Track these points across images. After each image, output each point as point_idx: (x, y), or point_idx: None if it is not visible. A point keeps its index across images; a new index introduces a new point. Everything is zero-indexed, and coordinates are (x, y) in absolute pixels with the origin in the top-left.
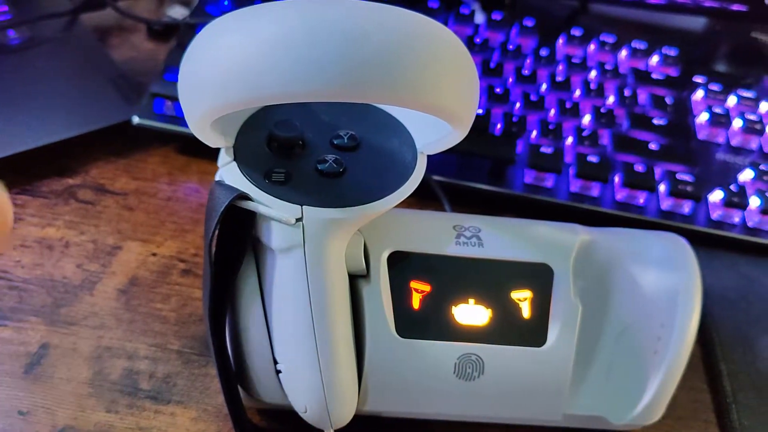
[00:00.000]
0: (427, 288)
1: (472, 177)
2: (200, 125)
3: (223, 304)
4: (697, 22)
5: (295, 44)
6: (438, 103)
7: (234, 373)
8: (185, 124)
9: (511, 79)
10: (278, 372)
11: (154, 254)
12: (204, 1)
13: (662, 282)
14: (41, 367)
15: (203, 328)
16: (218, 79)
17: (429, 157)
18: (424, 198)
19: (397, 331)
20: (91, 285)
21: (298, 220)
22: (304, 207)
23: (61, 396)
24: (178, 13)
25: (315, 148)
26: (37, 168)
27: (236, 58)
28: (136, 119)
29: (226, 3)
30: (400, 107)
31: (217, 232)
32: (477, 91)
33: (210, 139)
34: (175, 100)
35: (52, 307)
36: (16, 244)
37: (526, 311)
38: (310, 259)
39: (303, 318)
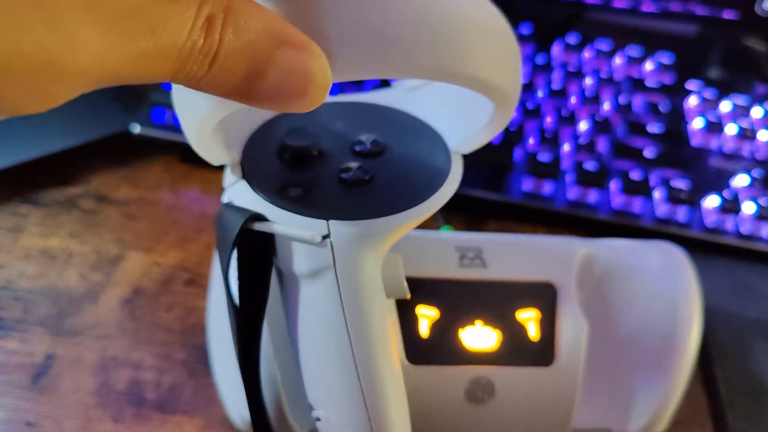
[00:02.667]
0: (434, 312)
1: (469, 185)
2: (199, 133)
3: (256, 344)
4: (690, 29)
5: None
6: (483, 75)
7: (270, 419)
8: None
9: None
10: (316, 420)
11: (157, 264)
12: None
13: (662, 294)
14: (47, 378)
15: (206, 338)
16: None
17: None
18: None
19: (407, 357)
20: (95, 295)
21: (325, 237)
22: (330, 222)
23: (67, 406)
24: None
25: (334, 158)
26: (39, 178)
27: None
28: (136, 128)
29: None
30: (446, 82)
31: (232, 262)
32: (521, 65)
33: (212, 153)
34: None
35: (57, 318)
36: (19, 255)
37: (533, 331)
38: (344, 281)
39: (341, 352)
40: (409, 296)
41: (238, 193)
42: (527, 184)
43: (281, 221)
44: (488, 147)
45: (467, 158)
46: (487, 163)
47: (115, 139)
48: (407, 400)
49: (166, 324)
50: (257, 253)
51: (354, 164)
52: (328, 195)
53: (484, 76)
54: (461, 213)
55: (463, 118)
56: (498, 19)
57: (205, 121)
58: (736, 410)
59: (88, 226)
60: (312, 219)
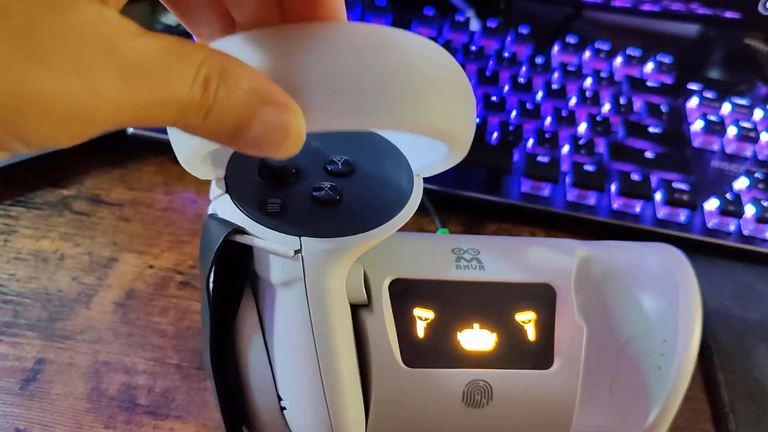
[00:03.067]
0: (430, 315)
1: (468, 186)
2: (190, 160)
3: (224, 342)
4: (691, 29)
5: (291, 71)
6: (438, 127)
7: (238, 411)
8: None
9: (507, 87)
10: (283, 408)
11: (151, 266)
12: None
13: (662, 297)
14: (37, 383)
15: (201, 341)
16: None
17: None
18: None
19: (403, 360)
20: (87, 298)
21: (297, 252)
22: (302, 238)
23: (58, 412)
24: (171, 20)
25: (309, 176)
26: (31, 179)
27: None
28: (130, 129)
29: None
30: (399, 132)
31: (214, 269)
32: (475, 112)
33: (200, 171)
34: None
35: (48, 321)
36: (10, 257)
37: (531, 333)
38: (312, 291)
39: (307, 352)
40: (367, 302)
41: (222, 206)
42: (526, 186)
43: (259, 235)
44: (487, 148)
45: (466, 159)
46: (486, 165)
47: (109, 139)
48: (404, 403)
49: (160, 327)
50: (235, 262)
51: (326, 184)
52: (302, 212)
53: (439, 126)
54: (459, 215)
55: (424, 147)
56: (451, 71)
57: (195, 153)
58: (738, 415)
59: (80, 228)
60: (286, 235)
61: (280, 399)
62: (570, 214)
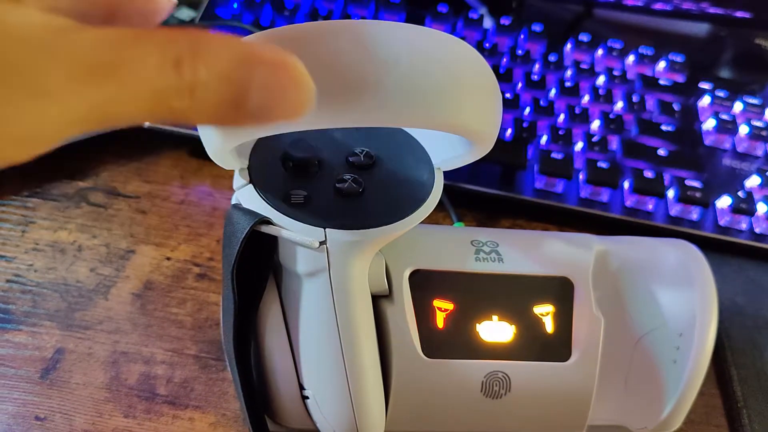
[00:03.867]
0: (450, 306)
1: (482, 182)
2: (220, 152)
3: (247, 332)
4: (702, 29)
5: (327, 67)
6: (466, 124)
7: (260, 401)
8: (196, 128)
9: (520, 85)
10: (305, 398)
11: (168, 258)
12: (213, 3)
13: (679, 292)
14: (57, 372)
15: (219, 332)
16: None
17: None
18: None
19: (423, 351)
20: (105, 289)
21: (322, 243)
22: (326, 230)
23: (78, 401)
24: (185, 15)
25: (331, 168)
26: (48, 171)
27: None
28: (146, 122)
29: (235, 6)
30: (427, 129)
31: (238, 258)
32: (501, 109)
33: (227, 162)
34: None
35: (67, 312)
36: (28, 248)
37: (549, 326)
38: (336, 282)
39: (330, 342)
40: (388, 293)
41: (247, 196)
42: (540, 182)
43: (284, 225)
44: (501, 144)
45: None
46: (500, 161)
47: (126, 132)
48: (424, 393)
49: (178, 319)
50: (260, 252)
51: (349, 176)
52: (325, 203)
53: (467, 124)
54: (474, 210)
55: (446, 141)
56: (478, 67)
57: (225, 145)
58: (751, 410)
59: (97, 220)
60: (311, 227)
61: (302, 389)
62: (583, 210)
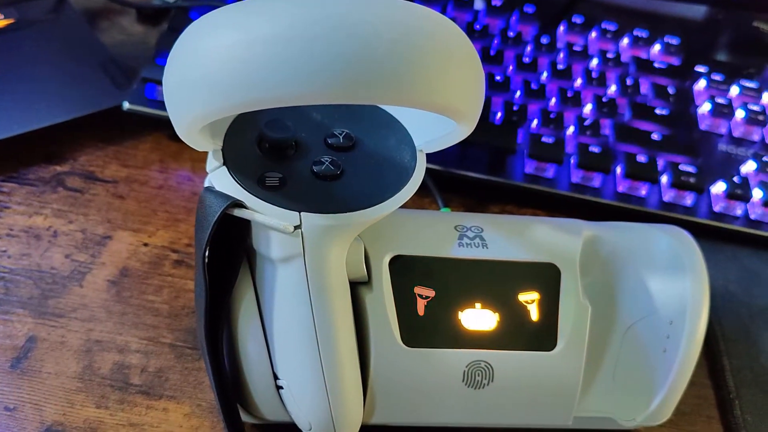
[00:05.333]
0: (431, 293)
1: (471, 167)
2: (188, 131)
3: (219, 319)
4: (698, 11)
5: (295, 42)
6: (448, 102)
7: (232, 391)
8: None
9: (511, 67)
10: (279, 388)
11: (145, 244)
12: None
13: (670, 279)
14: (28, 361)
15: (196, 320)
16: (208, 81)
17: None
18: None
19: (402, 339)
20: (80, 276)
21: (297, 227)
22: (302, 214)
23: (49, 391)
24: None
25: (309, 149)
26: (24, 154)
27: (229, 58)
28: (126, 104)
29: None
30: (406, 107)
31: (209, 243)
32: (483, 87)
33: (198, 143)
34: None
35: (40, 299)
36: (2, 234)
37: (534, 314)
38: (311, 268)
39: (305, 330)
40: (367, 279)
41: (220, 178)
42: (530, 167)
43: (258, 209)
44: (490, 128)
45: (469, 139)
46: (489, 145)
47: (105, 115)
48: (403, 383)
49: (154, 306)
50: (232, 237)
51: (326, 158)
52: (301, 186)
53: (447, 101)
54: (461, 195)
55: (429, 122)
56: (459, 44)
57: (195, 122)
58: (744, 401)
59: (74, 205)
60: (286, 210)
61: (276, 378)
62: (574, 195)
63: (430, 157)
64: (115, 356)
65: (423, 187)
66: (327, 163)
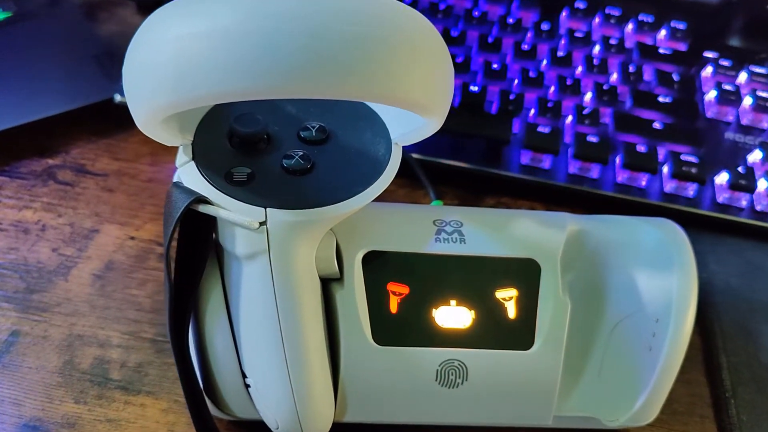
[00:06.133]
0: (405, 290)
1: (465, 158)
2: (147, 124)
3: (185, 316)
4: None
5: (252, 34)
6: (409, 96)
7: (200, 387)
8: None
9: (509, 55)
10: (248, 386)
11: (132, 238)
12: None
13: (657, 275)
14: (9, 356)
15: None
16: (164, 74)
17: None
18: (407, 182)
19: (373, 337)
20: (66, 270)
21: (262, 224)
22: (268, 209)
23: (28, 386)
24: None
25: (281, 143)
26: (16, 147)
27: (184, 50)
28: (118, 97)
29: None
30: (368, 102)
31: (174, 238)
32: (451, 80)
33: (162, 136)
34: None
35: (25, 293)
36: None
37: (511, 311)
38: (276, 265)
39: (270, 329)
40: (339, 276)
41: (187, 174)
42: (525, 157)
43: (224, 205)
44: (485, 118)
45: (463, 130)
46: (484, 135)
47: (96, 108)
48: (375, 382)
49: (137, 301)
50: (198, 233)
51: (297, 152)
52: (270, 181)
53: (409, 96)
54: (455, 187)
55: (404, 115)
56: (426, 35)
57: (152, 115)
58: (740, 400)
59: (63, 198)
60: (251, 206)
61: (244, 376)
62: (571, 187)
63: (425, 148)
64: (96, 351)
65: (415, 179)
66: (297, 157)
